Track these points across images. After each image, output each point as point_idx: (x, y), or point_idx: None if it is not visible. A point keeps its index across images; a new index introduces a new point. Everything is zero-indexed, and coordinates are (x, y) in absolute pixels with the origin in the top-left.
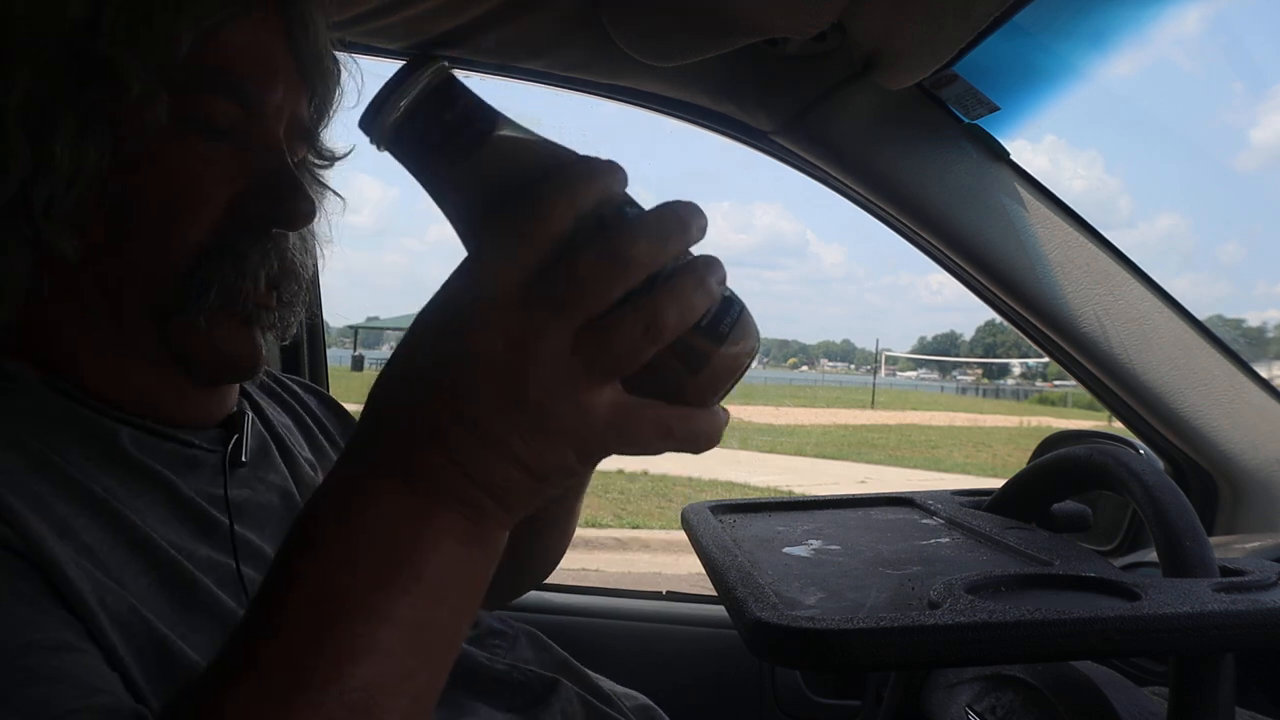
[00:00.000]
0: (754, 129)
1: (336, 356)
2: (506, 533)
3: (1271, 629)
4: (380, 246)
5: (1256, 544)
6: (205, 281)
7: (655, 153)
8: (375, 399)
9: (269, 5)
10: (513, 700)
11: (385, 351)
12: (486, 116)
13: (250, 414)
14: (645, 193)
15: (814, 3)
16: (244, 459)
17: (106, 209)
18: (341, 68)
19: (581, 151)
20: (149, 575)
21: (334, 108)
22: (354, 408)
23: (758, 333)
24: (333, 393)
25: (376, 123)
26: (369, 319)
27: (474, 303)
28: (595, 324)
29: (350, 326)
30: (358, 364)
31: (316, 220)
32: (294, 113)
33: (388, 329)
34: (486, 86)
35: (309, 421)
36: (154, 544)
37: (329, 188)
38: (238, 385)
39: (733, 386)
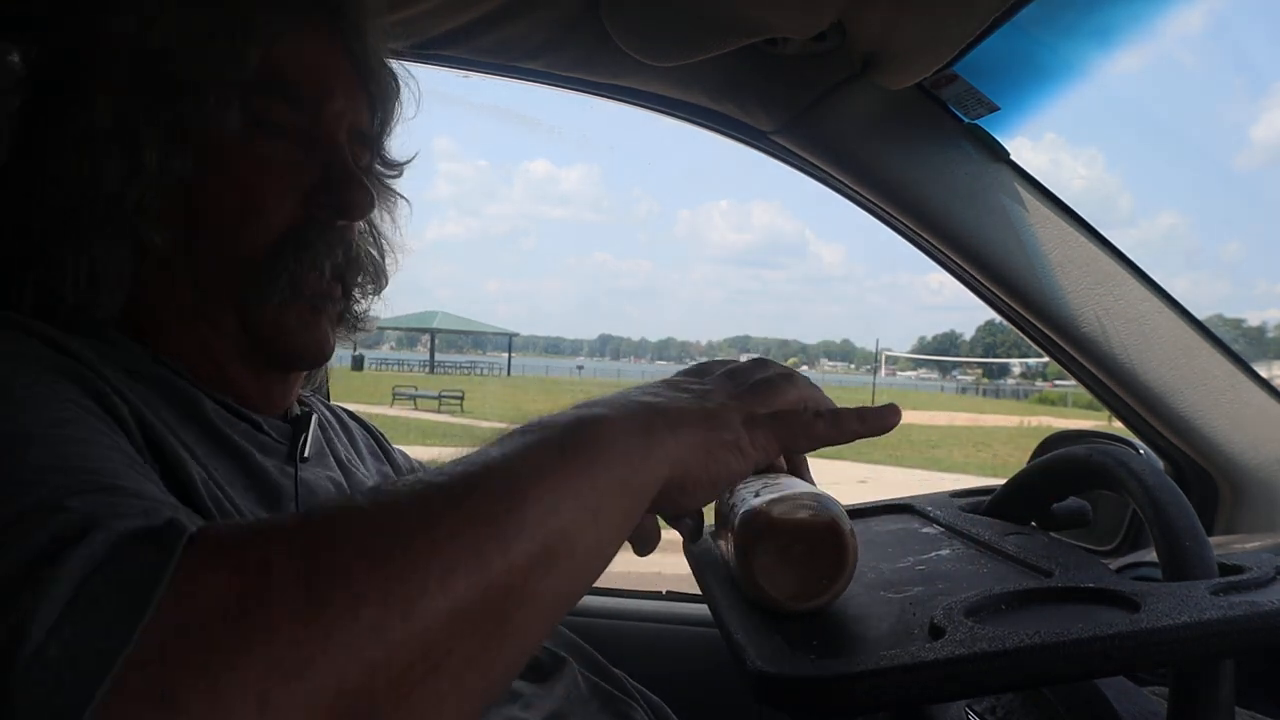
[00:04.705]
0: (754, 129)
1: (337, 356)
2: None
3: (1270, 631)
4: None
5: (1256, 544)
6: (276, 272)
7: (654, 151)
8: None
9: (322, 21)
10: (523, 671)
11: (385, 351)
12: None
13: (315, 415)
14: (646, 192)
15: (814, 3)
16: (306, 455)
17: (189, 207)
18: (400, 81)
19: (581, 150)
20: None
21: (395, 117)
22: (355, 406)
23: None
24: (333, 391)
25: None
26: None
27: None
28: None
29: None
30: (358, 363)
31: (388, 225)
32: (355, 120)
33: (387, 329)
34: (487, 86)
35: (358, 439)
36: (226, 508)
37: (398, 194)
38: (300, 381)
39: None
